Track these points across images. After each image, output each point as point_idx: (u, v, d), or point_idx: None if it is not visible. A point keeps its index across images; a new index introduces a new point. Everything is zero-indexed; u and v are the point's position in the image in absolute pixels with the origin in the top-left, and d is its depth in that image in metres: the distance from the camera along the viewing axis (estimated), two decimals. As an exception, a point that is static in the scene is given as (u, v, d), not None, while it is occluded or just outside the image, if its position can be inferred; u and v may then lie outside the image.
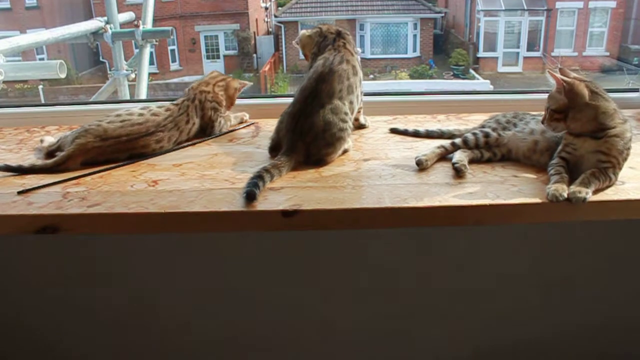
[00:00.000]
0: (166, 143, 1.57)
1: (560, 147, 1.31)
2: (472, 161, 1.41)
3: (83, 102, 2.16)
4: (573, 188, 1.20)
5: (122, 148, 1.51)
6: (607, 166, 1.25)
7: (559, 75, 1.25)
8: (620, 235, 1.77)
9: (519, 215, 1.24)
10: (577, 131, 1.27)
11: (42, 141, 1.62)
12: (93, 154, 1.48)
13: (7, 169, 1.44)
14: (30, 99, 10.82)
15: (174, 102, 1.65)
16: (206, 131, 1.68)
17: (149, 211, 1.23)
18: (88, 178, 1.41)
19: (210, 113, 1.68)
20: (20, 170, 1.44)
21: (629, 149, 1.27)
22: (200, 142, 1.64)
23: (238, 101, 1.82)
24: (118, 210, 1.23)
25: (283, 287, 1.87)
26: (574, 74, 1.29)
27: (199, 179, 1.38)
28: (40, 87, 10.73)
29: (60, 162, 1.46)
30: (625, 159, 1.27)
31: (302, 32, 1.73)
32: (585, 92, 1.24)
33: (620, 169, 1.27)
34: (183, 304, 1.91)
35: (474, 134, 1.45)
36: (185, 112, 1.62)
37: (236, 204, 1.24)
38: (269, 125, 1.77)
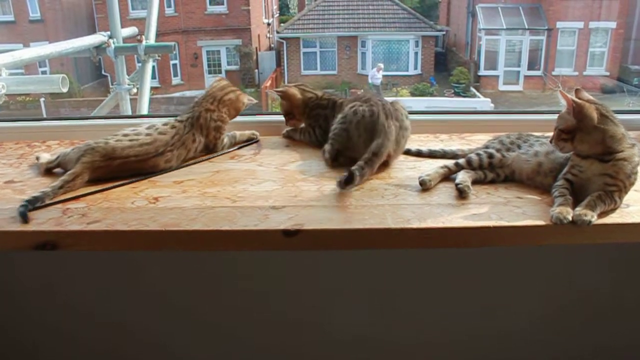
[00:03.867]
0: (174, 162, 1.55)
1: (566, 169, 1.30)
2: (475, 182, 1.40)
3: (84, 117, 2.16)
4: (578, 211, 1.19)
5: (130, 168, 1.47)
6: (613, 190, 1.24)
7: (569, 96, 1.24)
8: (624, 258, 1.76)
9: (523, 237, 1.22)
10: (584, 153, 1.26)
11: (38, 158, 1.58)
12: (100, 173, 1.45)
13: (26, 208, 1.29)
14: (32, 111, 10.88)
15: (179, 118, 1.61)
16: (209, 149, 1.66)
17: (149, 229, 1.22)
18: (86, 189, 1.39)
19: (213, 133, 1.64)
20: (34, 203, 1.31)
21: (636, 173, 1.26)
22: (203, 160, 1.63)
23: (242, 118, 1.82)
24: (118, 228, 1.22)
25: (283, 305, 1.86)
26: (588, 96, 1.28)
27: (200, 196, 1.37)
28: (42, 99, 10.79)
29: (69, 180, 1.40)
30: (632, 184, 1.26)
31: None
32: (594, 115, 1.23)
33: (626, 192, 1.26)
34: (182, 321, 1.90)
35: (478, 154, 1.44)
36: (191, 130, 1.59)
37: (237, 222, 1.23)
38: (271, 143, 1.77)
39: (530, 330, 1.87)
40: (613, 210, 1.25)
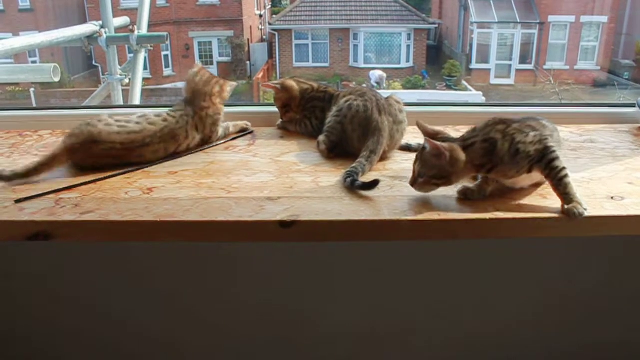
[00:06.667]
0: (162, 153, 1.53)
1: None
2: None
3: (77, 107, 2.14)
4: (567, 205, 1.20)
5: (115, 155, 1.46)
6: (554, 168, 1.23)
7: (439, 144, 1.21)
8: (621, 252, 1.77)
9: (519, 229, 1.23)
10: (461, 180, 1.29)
11: None
12: (80, 157, 1.44)
13: None
14: (22, 101, 10.78)
15: (171, 112, 1.58)
16: (205, 142, 1.64)
17: (144, 219, 1.21)
18: (81, 179, 1.38)
19: (210, 127, 1.63)
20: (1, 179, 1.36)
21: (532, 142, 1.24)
22: (197, 151, 1.61)
23: (235, 109, 1.83)
24: (112, 218, 1.21)
25: (280, 297, 1.86)
26: (434, 128, 1.31)
27: (195, 187, 1.36)
28: (32, 90, 10.69)
29: (44, 162, 1.40)
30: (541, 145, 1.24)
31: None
32: (463, 157, 1.23)
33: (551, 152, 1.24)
34: (180, 314, 1.89)
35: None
36: (184, 127, 1.57)
37: (232, 213, 1.22)
38: (265, 134, 1.76)
39: (526, 325, 1.88)
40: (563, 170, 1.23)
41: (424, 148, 1.26)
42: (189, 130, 1.58)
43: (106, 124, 1.47)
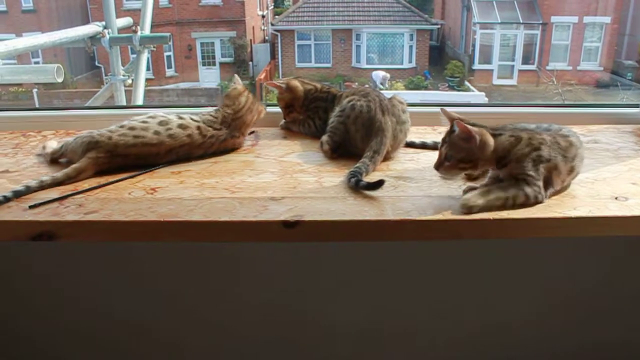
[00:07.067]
0: (175, 157, 1.52)
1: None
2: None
3: (80, 107, 2.15)
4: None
5: (130, 164, 1.46)
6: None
7: (469, 127, 1.22)
8: (623, 253, 1.77)
9: (522, 230, 1.23)
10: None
11: (44, 147, 1.56)
12: (104, 167, 1.44)
13: (16, 194, 1.31)
14: (24, 102, 10.81)
15: (203, 128, 1.54)
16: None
17: (148, 219, 1.21)
18: (85, 184, 1.38)
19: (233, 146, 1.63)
20: (29, 192, 1.33)
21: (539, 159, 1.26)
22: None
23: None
24: (116, 218, 1.21)
25: (283, 298, 1.86)
26: (456, 114, 1.30)
27: (198, 187, 1.36)
28: (35, 90, 10.72)
29: (72, 175, 1.40)
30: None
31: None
32: (491, 141, 1.26)
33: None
34: (183, 314, 1.89)
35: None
36: (205, 147, 1.55)
37: (236, 213, 1.22)
38: (268, 134, 1.77)
39: (529, 325, 1.87)
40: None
41: (452, 131, 1.26)
42: (207, 150, 1.56)
43: (120, 134, 1.46)
